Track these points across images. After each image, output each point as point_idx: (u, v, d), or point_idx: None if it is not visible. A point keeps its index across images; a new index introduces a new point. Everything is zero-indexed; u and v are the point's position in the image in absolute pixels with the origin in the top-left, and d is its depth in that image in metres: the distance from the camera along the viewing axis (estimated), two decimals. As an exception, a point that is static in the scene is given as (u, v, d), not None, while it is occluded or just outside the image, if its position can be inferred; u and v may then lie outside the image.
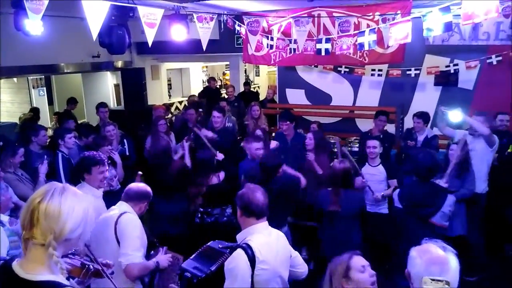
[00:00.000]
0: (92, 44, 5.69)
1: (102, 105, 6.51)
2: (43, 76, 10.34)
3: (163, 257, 2.84)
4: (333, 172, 3.76)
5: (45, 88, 10.71)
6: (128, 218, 2.78)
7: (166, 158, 4.60)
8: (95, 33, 4.07)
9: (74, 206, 1.43)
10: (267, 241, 2.32)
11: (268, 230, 2.40)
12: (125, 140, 5.48)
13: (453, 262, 1.69)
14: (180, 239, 3.83)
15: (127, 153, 5.41)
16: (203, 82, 13.75)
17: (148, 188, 3.04)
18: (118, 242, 2.71)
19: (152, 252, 2.92)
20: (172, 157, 4.86)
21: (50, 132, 6.97)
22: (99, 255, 2.63)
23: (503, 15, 4.32)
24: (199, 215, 4.20)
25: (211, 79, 10.66)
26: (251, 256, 2.16)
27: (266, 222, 2.40)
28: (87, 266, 1.81)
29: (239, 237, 2.37)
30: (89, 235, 1.54)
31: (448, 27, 3.94)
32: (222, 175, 4.32)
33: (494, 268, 4.55)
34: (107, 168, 3.44)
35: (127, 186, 3.05)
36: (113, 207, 2.95)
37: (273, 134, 6.26)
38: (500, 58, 5.71)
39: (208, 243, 2.42)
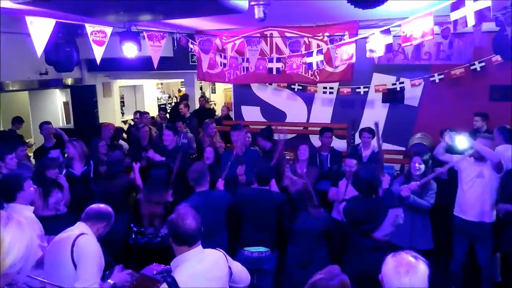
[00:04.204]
0: (39, 61, 5.49)
1: (47, 122, 6.22)
2: (-14, 94, 9.80)
3: (119, 276, 2.74)
4: (291, 192, 3.74)
5: (-12, 106, 10.15)
6: (85, 240, 2.65)
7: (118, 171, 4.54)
8: (40, 51, 3.95)
9: (17, 239, 1.31)
10: (197, 271, 2.21)
11: (201, 256, 2.27)
12: (91, 161, 5.13)
13: (422, 268, 1.85)
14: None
15: (91, 175, 5.08)
16: (158, 99, 13.57)
17: (109, 209, 2.92)
18: (75, 265, 2.59)
19: (107, 272, 2.80)
20: (122, 171, 4.77)
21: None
22: (53, 277, 2.55)
23: (442, 36, 4.58)
24: (133, 236, 4.13)
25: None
26: None
27: (200, 246, 2.28)
28: None
29: (173, 264, 2.26)
30: (30, 267, 1.44)
31: (389, 48, 4.15)
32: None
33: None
34: None
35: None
36: (71, 227, 2.80)
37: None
38: (442, 76, 6.06)
39: (143, 270, 2.32)
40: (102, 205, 2.94)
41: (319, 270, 2.02)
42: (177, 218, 2.24)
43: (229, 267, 2.40)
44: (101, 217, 2.85)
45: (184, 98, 10.03)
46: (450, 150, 4.47)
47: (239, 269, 2.50)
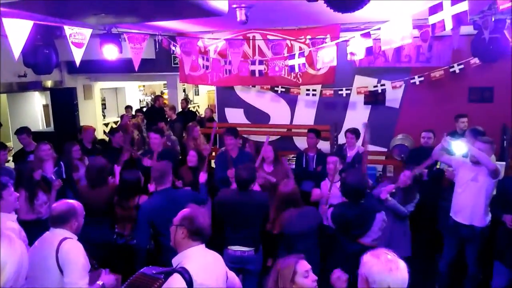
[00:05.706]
0: (17, 63, 5.35)
1: (20, 132, 5.81)
2: (-38, 97, 9.58)
3: (107, 277, 2.75)
4: (280, 195, 3.73)
5: (-36, 109, 9.91)
6: (69, 245, 2.62)
7: (101, 180, 4.34)
8: (17, 53, 3.85)
9: (9, 257, 1.31)
10: (204, 264, 2.28)
11: (204, 252, 2.36)
12: (61, 162, 5.08)
13: (402, 264, 1.91)
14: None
15: (64, 176, 4.98)
16: (140, 101, 13.46)
17: (70, 203, 2.79)
18: (61, 271, 2.56)
19: (90, 273, 2.74)
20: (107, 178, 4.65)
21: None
22: (37, 284, 2.52)
23: (421, 39, 4.64)
24: (114, 236, 4.09)
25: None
26: (188, 280, 2.10)
27: (203, 244, 2.37)
28: None
29: (175, 261, 2.30)
30: (23, 281, 1.42)
31: (369, 51, 4.19)
32: (143, 198, 4.14)
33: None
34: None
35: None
36: (47, 233, 2.73)
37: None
38: (422, 78, 6.16)
39: (142, 270, 2.31)
40: (61, 204, 2.80)
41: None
42: (197, 215, 2.36)
43: (226, 272, 2.49)
44: (67, 216, 2.73)
45: (157, 98, 10.15)
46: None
47: (233, 276, 2.59)
